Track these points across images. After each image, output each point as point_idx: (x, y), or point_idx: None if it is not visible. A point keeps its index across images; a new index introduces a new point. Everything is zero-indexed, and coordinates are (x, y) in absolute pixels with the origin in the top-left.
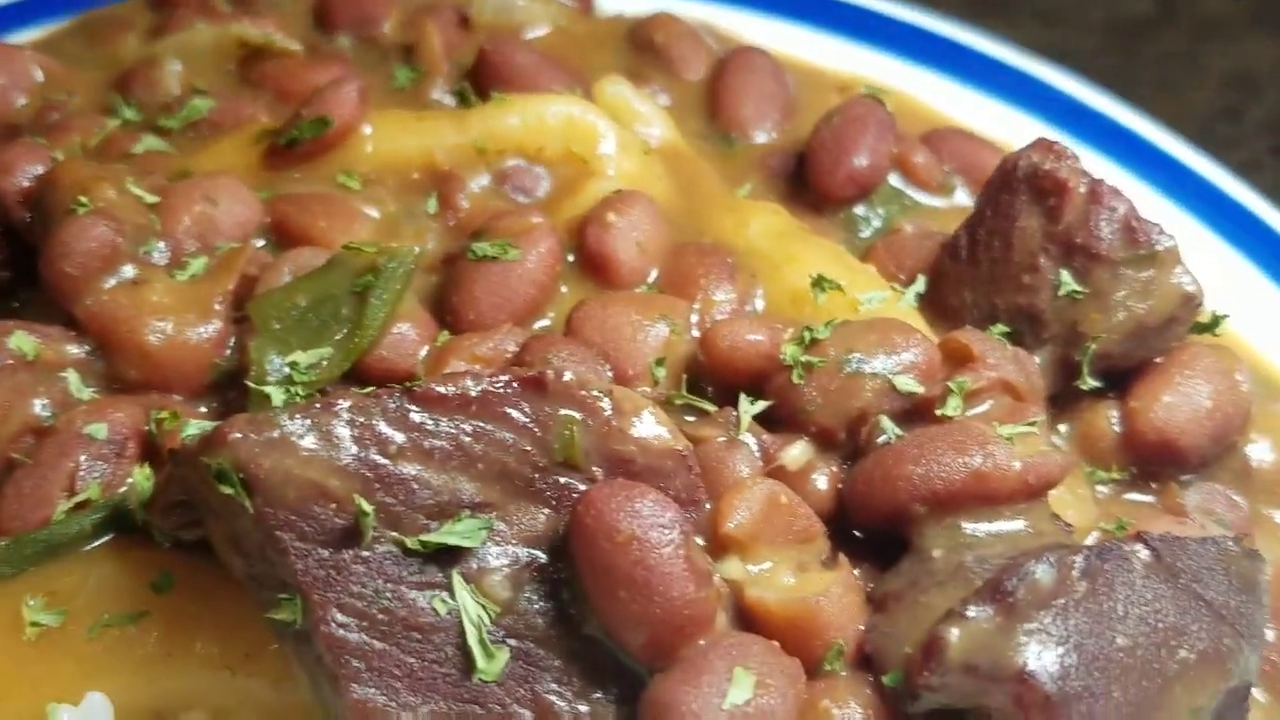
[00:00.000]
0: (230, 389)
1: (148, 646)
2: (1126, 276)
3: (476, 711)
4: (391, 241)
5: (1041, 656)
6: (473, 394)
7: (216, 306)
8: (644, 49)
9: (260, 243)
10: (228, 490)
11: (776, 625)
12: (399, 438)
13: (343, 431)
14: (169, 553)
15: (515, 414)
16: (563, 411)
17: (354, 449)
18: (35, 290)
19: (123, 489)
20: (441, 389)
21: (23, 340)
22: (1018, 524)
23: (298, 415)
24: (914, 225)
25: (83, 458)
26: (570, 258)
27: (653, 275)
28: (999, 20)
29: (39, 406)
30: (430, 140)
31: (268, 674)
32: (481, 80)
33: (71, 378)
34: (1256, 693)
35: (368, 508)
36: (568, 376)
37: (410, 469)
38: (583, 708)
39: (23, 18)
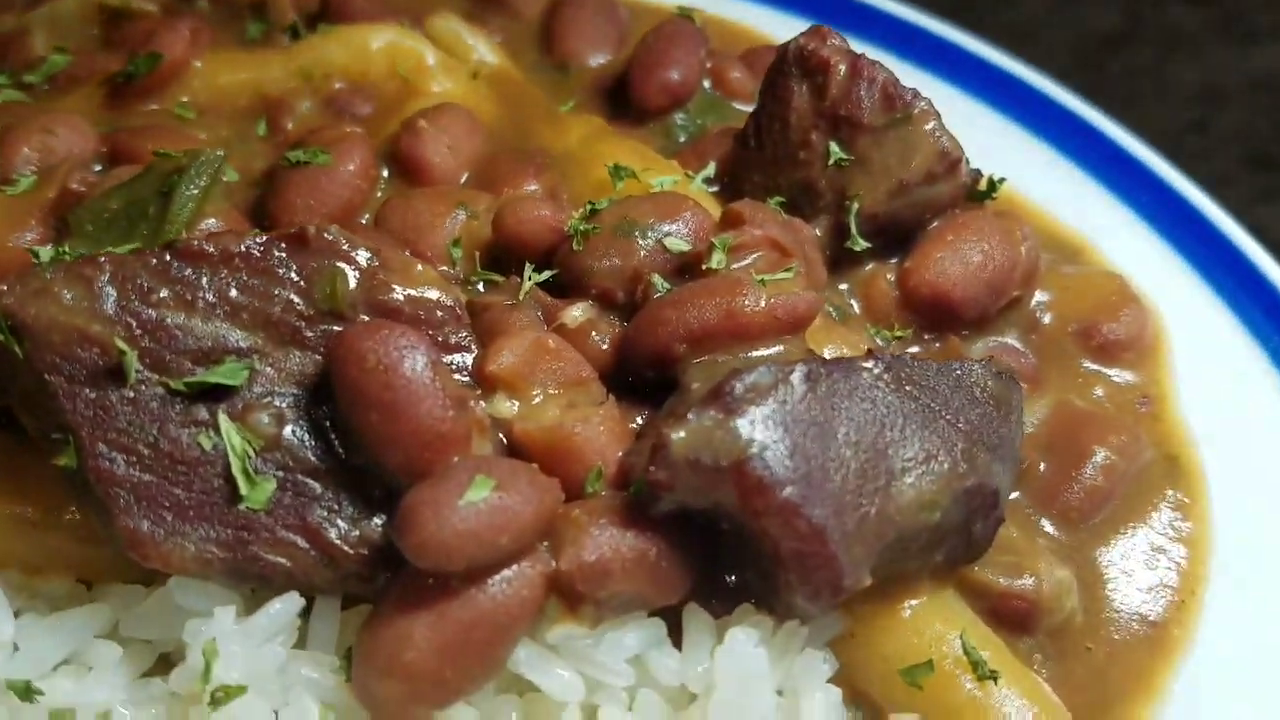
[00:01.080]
0: None
1: None
2: (887, 139)
3: (246, 537)
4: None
5: (757, 447)
6: (235, 249)
7: (34, 215)
8: None
9: (97, 167)
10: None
11: (538, 451)
12: (162, 290)
13: (105, 283)
14: None
15: (280, 269)
16: (327, 263)
17: (116, 298)
18: None
19: None
20: (205, 246)
21: None
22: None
23: (61, 270)
24: (717, 125)
25: None
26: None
27: (464, 178)
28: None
29: None
30: (259, 72)
31: (71, 529)
32: (323, 22)
33: None
34: (1046, 523)
35: (127, 349)
36: (330, 233)
37: (174, 317)
38: (354, 532)
39: None
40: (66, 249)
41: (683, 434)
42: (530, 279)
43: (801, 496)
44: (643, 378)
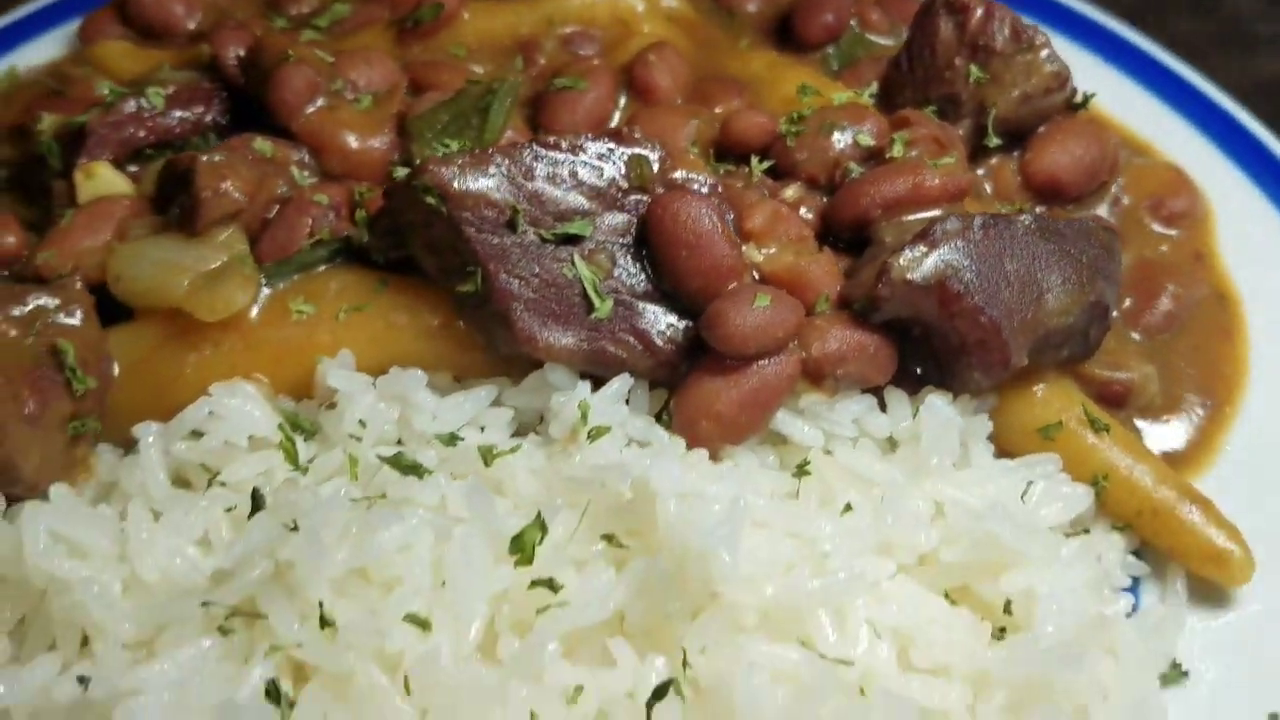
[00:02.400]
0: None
1: (373, 325)
2: (1014, 63)
3: (596, 336)
4: None
5: (953, 270)
6: (579, 143)
7: (386, 125)
8: None
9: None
10: (431, 201)
11: (784, 283)
12: (535, 169)
13: (499, 165)
14: (382, 267)
15: (606, 157)
16: (635, 152)
17: (507, 175)
18: (245, 131)
19: (344, 234)
20: (559, 140)
21: (263, 144)
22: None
23: (468, 155)
24: (864, 55)
25: (314, 214)
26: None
27: (678, 100)
28: None
29: (279, 187)
30: (514, 19)
31: (455, 339)
32: None
33: (294, 170)
34: (1134, 335)
35: (520, 207)
36: (638, 132)
37: (543, 188)
38: (665, 334)
39: None
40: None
41: (902, 262)
42: (757, 167)
43: (984, 303)
44: (840, 238)
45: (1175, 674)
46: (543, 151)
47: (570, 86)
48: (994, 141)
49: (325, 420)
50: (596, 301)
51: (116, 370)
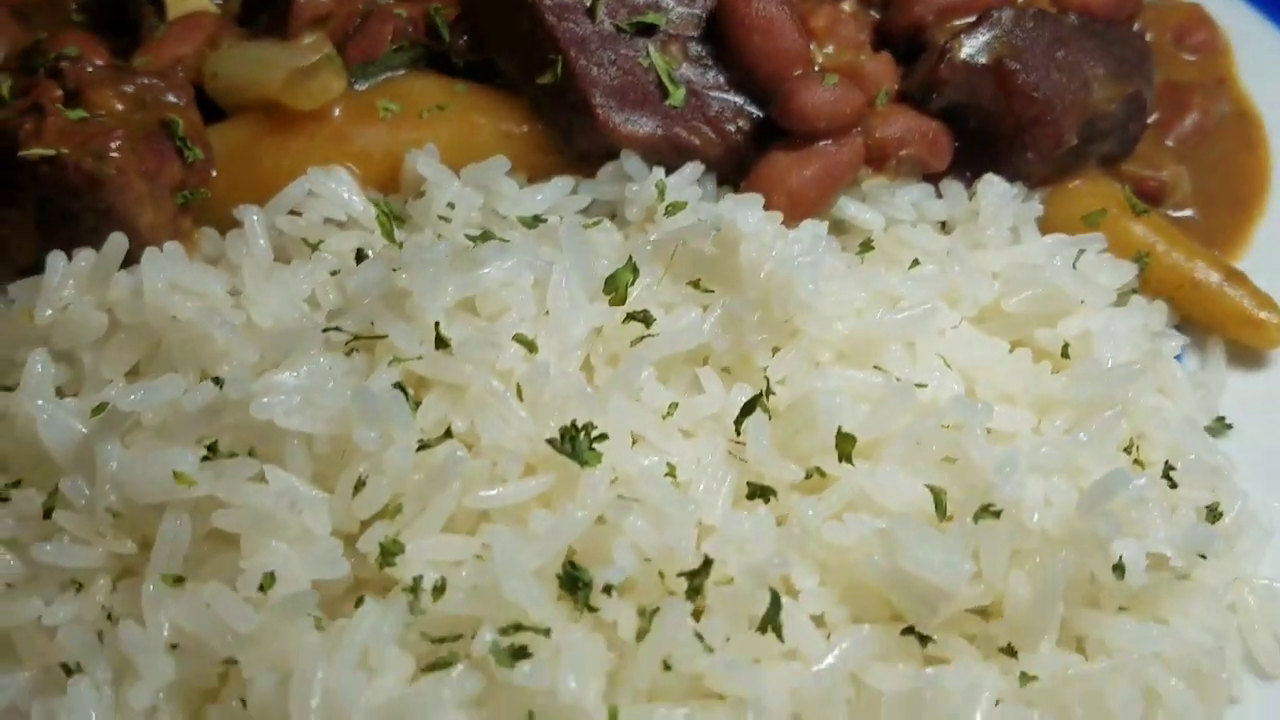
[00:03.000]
0: None
1: (454, 125)
2: None
3: (671, 123)
4: None
5: (1010, 53)
6: None
7: None
8: None
9: None
10: None
11: (844, 73)
12: None
13: None
14: (461, 71)
15: None
16: None
17: None
18: None
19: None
20: None
21: None
22: None
23: None
24: None
25: (395, 24)
26: None
27: None
28: None
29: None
30: None
31: (531, 141)
32: None
33: None
34: (1168, 142)
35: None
36: None
37: None
38: (736, 120)
39: None
40: None
41: (962, 44)
42: None
43: (1037, 82)
44: (895, 49)
45: (1220, 426)
46: None
47: None
48: None
49: (413, 209)
50: (671, 89)
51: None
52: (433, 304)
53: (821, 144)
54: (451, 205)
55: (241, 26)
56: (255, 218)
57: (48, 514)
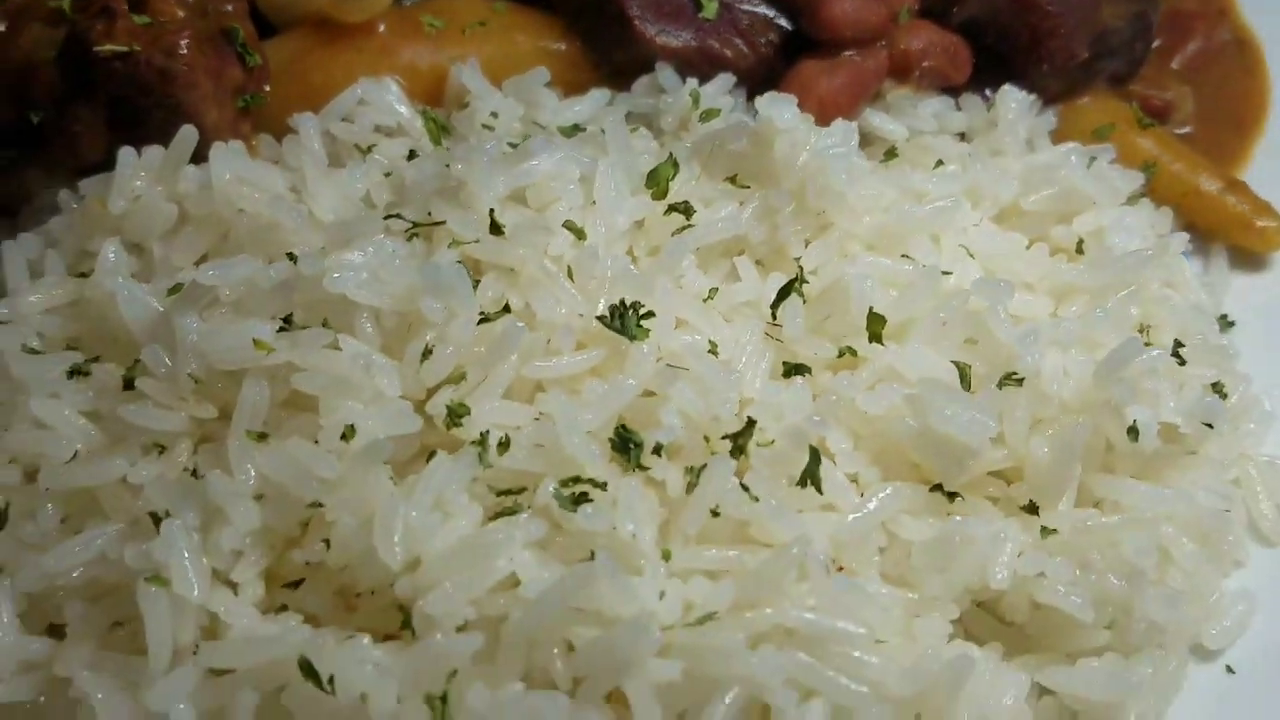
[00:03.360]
0: None
1: (494, 42)
2: None
3: (703, 35)
4: None
5: None
6: None
7: None
8: None
9: None
10: None
11: None
12: None
13: None
14: None
15: None
16: None
17: None
18: None
19: None
20: None
21: None
22: None
23: None
24: None
25: None
26: None
27: None
28: None
29: None
30: None
31: (568, 59)
32: None
33: None
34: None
35: None
36: None
37: None
38: (766, 34)
39: None
40: None
41: None
42: None
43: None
44: None
45: (1224, 324)
46: None
47: None
48: None
49: (457, 121)
50: (704, 2)
51: None
52: (486, 193)
53: (848, 54)
54: (495, 115)
55: None
56: (310, 124)
57: (128, 384)
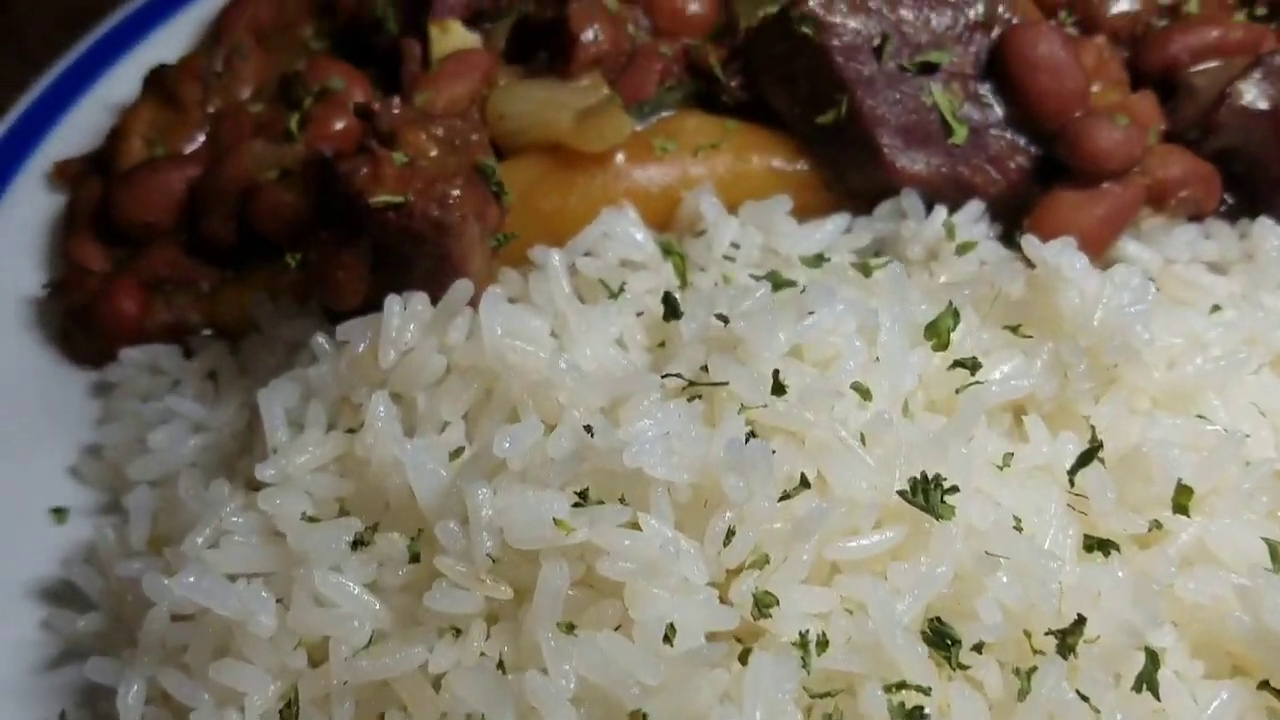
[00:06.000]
0: (724, 36)
1: (725, 163)
2: None
3: (953, 161)
4: None
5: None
6: None
7: None
8: None
9: None
10: (806, 30)
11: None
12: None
13: None
14: (731, 109)
15: None
16: None
17: (869, 6)
18: None
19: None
20: None
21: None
22: None
23: None
24: None
25: (662, 63)
26: None
27: None
28: None
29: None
30: None
31: (800, 179)
32: None
33: (630, 26)
34: None
35: (890, 36)
36: None
37: (903, 16)
38: (1015, 158)
39: None
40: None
41: (1242, 90)
42: (1065, 18)
43: None
44: (1143, 84)
45: None
46: None
47: None
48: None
49: (690, 248)
50: (955, 127)
51: None
52: (767, 351)
53: (1107, 184)
54: (736, 245)
55: (510, 64)
56: (555, 260)
57: (414, 557)
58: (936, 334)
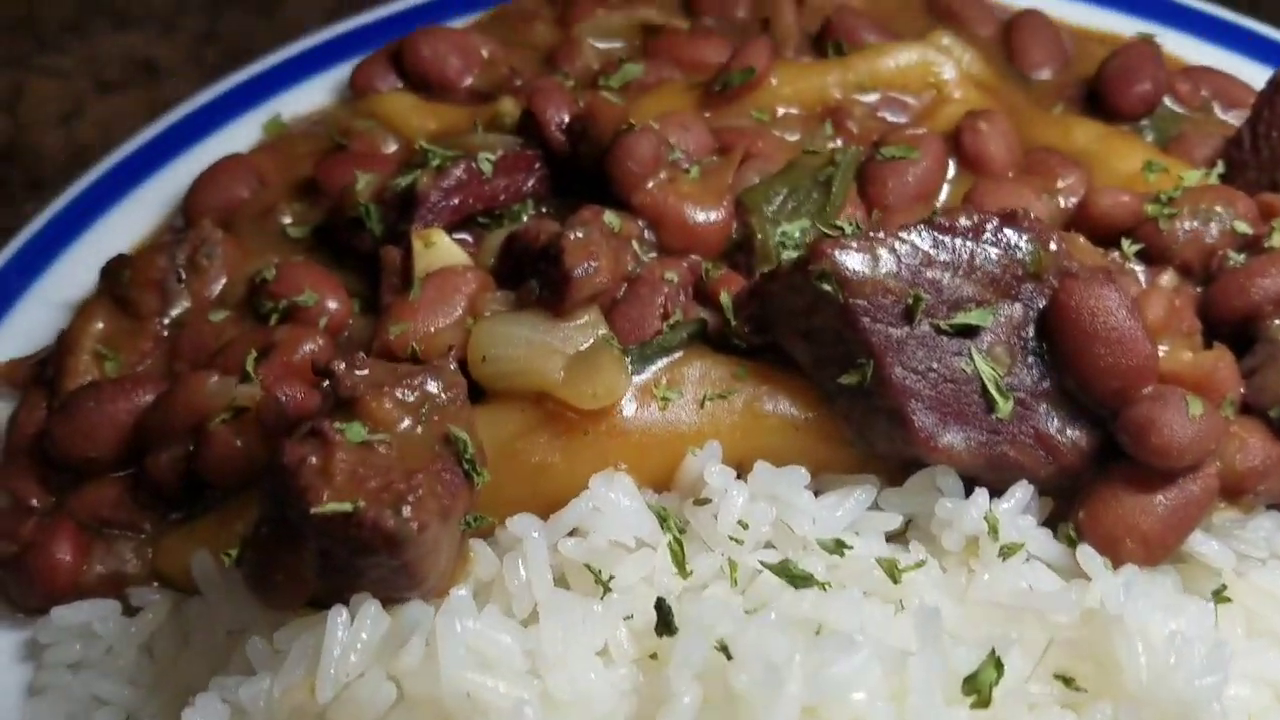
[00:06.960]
0: (738, 252)
1: (735, 414)
2: None
3: (997, 439)
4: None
5: None
6: (976, 222)
7: (724, 195)
8: (940, 13)
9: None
10: (826, 287)
11: (1185, 382)
12: (931, 253)
13: (894, 247)
14: (742, 353)
15: (1004, 239)
16: (1038, 236)
17: (902, 259)
18: (563, 200)
19: (695, 313)
20: (954, 221)
21: (612, 218)
22: None
23: (861, 240)
24: (1175, 129)
25: (666, 293)
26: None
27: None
28: None
29: (630, 264)
30: (820, 82)
31: (819, 432)
32: (829, 40)
33: (634, 245)
34: None
35: (922, 295)
36: (1033, 214)
37: (934, 274)
38: (1070, 437)
39: (442, 13)
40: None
41: None
42: (1129, 249)
43: None
44: (1216, 334)
45: None
46: (941, 234)
47: (901, 156)
48: None
49: (693, 516)
50: (999, 400)
51: None
52: (779, 712)
53: (1177, 478)
54: (743, 525)
55: (500, 284)
56: (536, 538)
57: None
58: (977, 689)
